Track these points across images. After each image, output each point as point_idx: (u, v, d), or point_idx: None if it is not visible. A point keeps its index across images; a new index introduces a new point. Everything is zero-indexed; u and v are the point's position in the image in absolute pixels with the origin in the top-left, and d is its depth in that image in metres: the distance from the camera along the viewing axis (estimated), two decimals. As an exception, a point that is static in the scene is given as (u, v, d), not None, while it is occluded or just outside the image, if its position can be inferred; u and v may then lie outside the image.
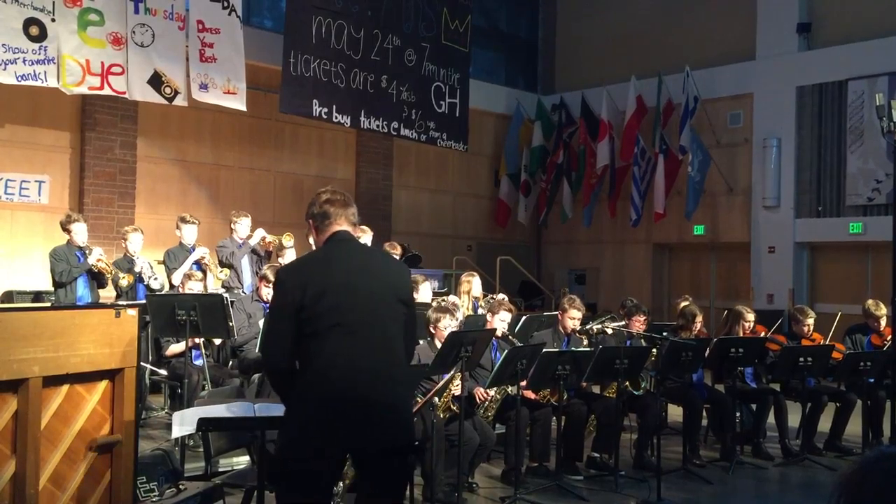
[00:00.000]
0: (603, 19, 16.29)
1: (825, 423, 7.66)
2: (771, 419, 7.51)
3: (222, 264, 8.92)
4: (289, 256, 9.41)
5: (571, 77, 16.65)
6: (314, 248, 3.75)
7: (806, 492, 6.75)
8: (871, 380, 7.52)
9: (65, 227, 8.25)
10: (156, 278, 8.45)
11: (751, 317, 7.83)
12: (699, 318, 7.57)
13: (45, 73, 9.15)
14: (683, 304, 8.23)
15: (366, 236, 9.83)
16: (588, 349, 6.58)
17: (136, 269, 8.36)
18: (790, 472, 7.15)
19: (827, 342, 7.88)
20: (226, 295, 7.42)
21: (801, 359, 7.16)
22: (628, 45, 15.59)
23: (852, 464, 1.47)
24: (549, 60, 17.57)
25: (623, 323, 7.48)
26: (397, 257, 9.88)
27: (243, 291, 8.75)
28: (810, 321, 7.89)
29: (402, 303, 3.52)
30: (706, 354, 6.99)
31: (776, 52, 13.86)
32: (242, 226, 9.16)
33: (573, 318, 6.88)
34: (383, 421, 3.32)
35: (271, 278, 7.33)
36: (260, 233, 9.21)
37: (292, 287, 3.37)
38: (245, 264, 9.12)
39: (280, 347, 3.39)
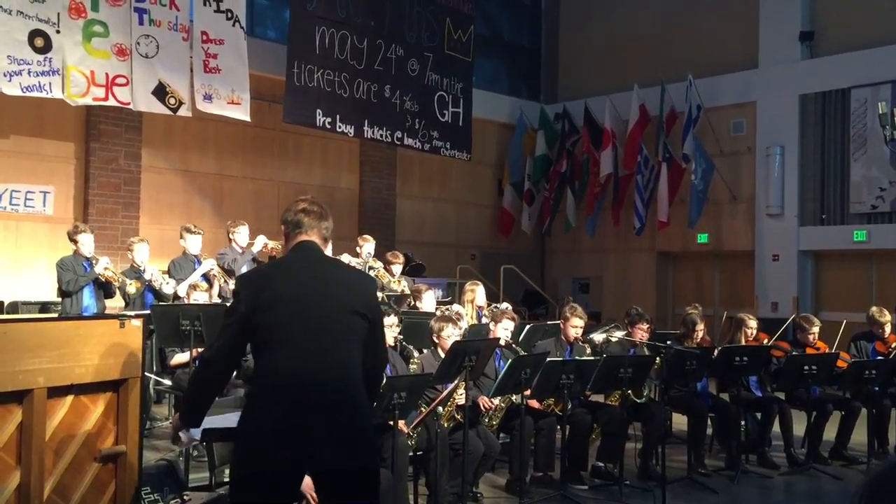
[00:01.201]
0: (605, 28, 16.33)
1: (830, 432, 7.63)
2: (776, 428, 7.49)
3: (224, 271, 8.92)
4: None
5: (574, 86, 16.68)
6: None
7: (812, 501, 6.73)
8: (877, 388, 7.50)
9: (72, 238, 8.29)
10: (167, 283, 8.44)
11: (753, 323, 7.83)
12: (700, 326, 7.56)
13: (50, 84, 9.19)
14: (691, 311, 8.21)
15: (368, 245, 9.90)
16: (592, 358, 6.58)
17: (146, 278, 8.38)
18: (795, 481, 7.12)
19: (832, 350, 7.87)
20: (229, 304, 7.42)
21: (806, 367, 7.14)
22: (631, 54, 15.62)
23: (872, 470, 1.47)
24: (551, 69, 17.62)
25: (626, 332, 7.47)
26: (399, 267, 9.93)
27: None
28: (816, 330, 7.88)
29: (361, 316, 3.37)
30: (710, 363, 6.98)
31: (779, 60, 13.88)
32: (241, 234, 9.16)
33: (575, 326, 6.87)
34: (327, 441, 3.17)
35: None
36: (262, 240, 9.21)
37: (245, 297, 3.31)
38: (248, 273, 9.10)
39: (220, 348, 3.35)
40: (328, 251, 3.59)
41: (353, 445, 3.24)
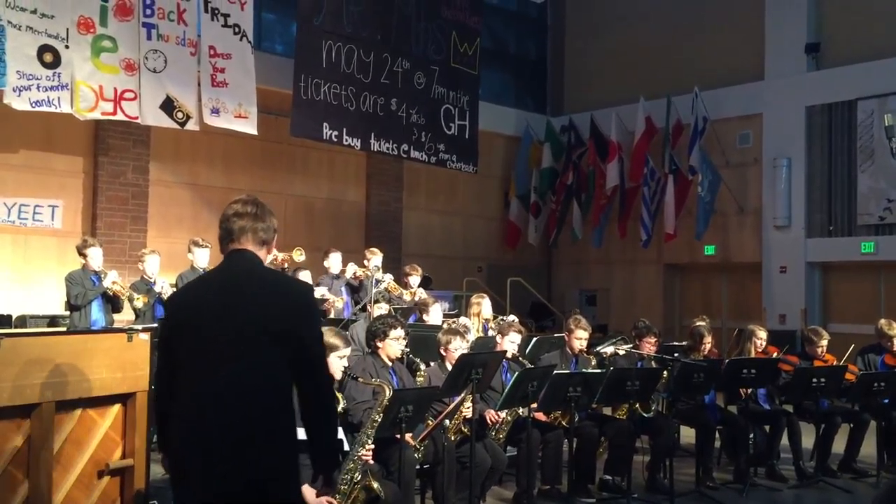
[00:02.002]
0: (611, 41, 16.36)
1: (839, 445, 7.59)
2: (784, 441, 7.45)
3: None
4: (303, 278, 9.47)
5: (580, 98, 16.71)
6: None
7: (821, 514, 6.70)
8: (886, 400, 7.46)
9: (81, 252, 8.33)
10: None
11: (762, 334, 7.80)
12: (707, 339, 7.55)
13: (58, 99, 9.26)
14: (699, 323, 8.19)
15: (375, 258, 9.92)
16: (598, 371, 6.56)
17: (157, 290, 8.41)
18: (804, 494, 7.08)
19: (841, 363, 7.83)
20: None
21: (815, 380, 7.11)
22: (637, 66, 15.64)
23: (886, 484, 1.48)
24: (557, 82, 17.65)
25: (634, 345, 7.45)
26: (417, 279, 9.95)
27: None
28: (824, 343, 7.84)
29: (280, 337, 2.99)
30: (718, 375, 6.95)
31: (785, 72, 13.88)
32: None
33: (580, 338, 6.85)
34: (228, 477, 2.89)
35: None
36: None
37: (166, 316, 3.16)
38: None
39: (158, 377, 3.16)
40: (269, 256, 3.26)
41: (257, 481, 2.91)
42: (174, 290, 8.52)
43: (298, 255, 9.30)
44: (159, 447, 3.26)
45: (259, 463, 2.92)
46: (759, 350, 7.74)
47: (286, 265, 9.39)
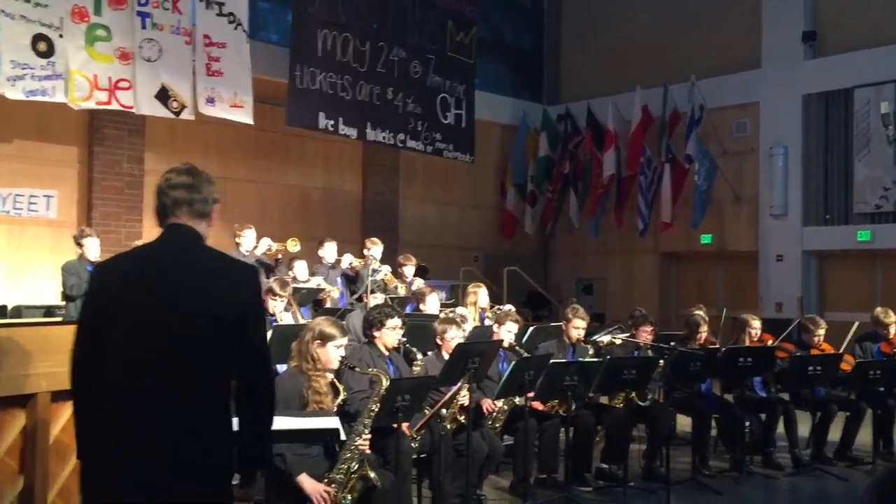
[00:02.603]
0: (608, 30, 16.33)
1: (835, 433, 7.61)
2: (780, 429, 7.47)
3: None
4: (298, 268, 9.47)
5: (577, 87, 16.68)
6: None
7: (817, 502, 6.72)
8: (882, 388, 7.48)
9: (78, 242, 8.32)
10: None
11: (756, 324, 7.82)
12: (704, 327, 7.55)
13: (53, 88, 9.21)
14: (695, 312, 8.20)
15: (376, 249, 9.91)
16: (595, 360, 6.56)
17: None
18: (801, 482, 7.11)
19: (840, 351, 7.85)
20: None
21: (811, 368, 7.12)
22: (633, 55, 15.61)
23: (880, 471, 1.47)
24: (554, 71, 17.61)
25: (630, 334, 7.45)
26: (412, 269, 9.92)
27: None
28: (821, 332, 7.84)
29: (221, 319, 2.77)
30: (714, 364, 6.96)
31: (781, 60, 13.86)
32: (247, 238, 9.29)
33: (577, 327, 6.85)
34: (162, 475, 2.68)
35: (277, 291, 7.36)
36: (266, 242, 9.30)
37: (90, 293, 2.90)
38: (253, 277, 9.18)
39: (80, 372, 2.85)
40: (207, 228, 2.96)
41: (194, 480, 2.72)
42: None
43: (293, 245, 9.31)
44: (79, 453, 2.93)
45: (198, 464, 2.72)
46: (755, 339, 7.76)
47: (280, 255, 9.39)
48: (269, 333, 6.63)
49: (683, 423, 7.54)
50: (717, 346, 7.83)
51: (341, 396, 4.56)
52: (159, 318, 2.74)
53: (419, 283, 9.75)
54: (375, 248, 9.92)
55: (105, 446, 2.73)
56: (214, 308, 2.78)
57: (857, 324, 8.67)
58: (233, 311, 2.79)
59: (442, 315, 7.03)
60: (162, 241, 2.90)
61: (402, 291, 9.59)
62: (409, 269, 9.87)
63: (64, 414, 3.86)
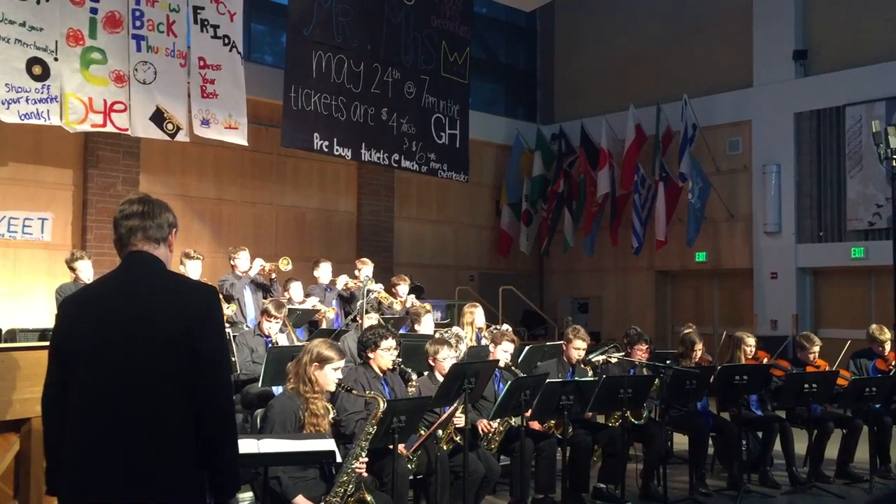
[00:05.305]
0: (601, 49, 16.43)
1: (832, 450, 7.61)
2: (777, 447, 7.46)
3: (224, 297, 8.95)
4: (294, 289, 9.47)
5: (570, 107, 16.77)
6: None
7: (814, 520, 6.70)
8: (878, 405, 7.48)
9: (70, 266, 8.31)
10: None
11: (751, 341, 7.83)
12: (699, 346, 7.55)
13: (48, 111, 9.23)
14: (686, 331, 8.22)
15: (366, 268, 9.92)
16: (592, 379, 6.56)
17: None
18: (798, 500, 7.08)
19: (834, 368, 7.85)
20: (228, 329, 7.44)
21: (806, 385, 7.12)
22: (626, 74, 15.71)
23: (877, 492, 1.48)
24: (547, 91, 17.70)
25: (626, 352, 7.45)
26: (406, 287, 9.93)
27: (247, 326, 8.78)
28: (816, 349, 7.86)
29: (178, 350, 2.73)
30: (710, 382, 6.96)
31: (773, 79, 13.96)
32: (241, 259, 9.34)
33: (578, 348, 6.86)
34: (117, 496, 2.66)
35: (273, 312, 7.35)
36: (259, 262, 9.34)
37: (55, 325, 2.90)
38: (248, 298, 9.21)
39: (48, 404, 2.85)
40: (167, 253, 2.97)
41: (162, 499, 2.69)
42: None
43: (285, 265, 9.31)
44: (48, 488, 2.88)
45: (151, 484, 2.67)
46: (750, 357, 7.76)
47: (273, 275, 9.40)
48: (265, 355, 6.62)
49: (680, 441, 7.53)
50: (713, 363, 7.84)
51: (331, 415, 4.55)
52: (116, 347, 2.73)
53: (413, 301, 9.77)
54: (366, 268, 9.95)
55: (69, 475, 2.72)
56: (164, 329, 2.74)
57: (849, 342, 8.67)
58: (178, 328, 2.74)
59: (437, 335, 7.03)
60: (121, 268, 2.91)
61: (397, 307, 9.59)
62: (402, 289, 9.88)
63: (58, 438, 3.85)
